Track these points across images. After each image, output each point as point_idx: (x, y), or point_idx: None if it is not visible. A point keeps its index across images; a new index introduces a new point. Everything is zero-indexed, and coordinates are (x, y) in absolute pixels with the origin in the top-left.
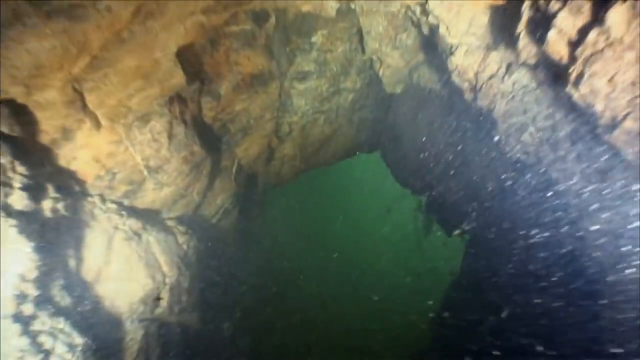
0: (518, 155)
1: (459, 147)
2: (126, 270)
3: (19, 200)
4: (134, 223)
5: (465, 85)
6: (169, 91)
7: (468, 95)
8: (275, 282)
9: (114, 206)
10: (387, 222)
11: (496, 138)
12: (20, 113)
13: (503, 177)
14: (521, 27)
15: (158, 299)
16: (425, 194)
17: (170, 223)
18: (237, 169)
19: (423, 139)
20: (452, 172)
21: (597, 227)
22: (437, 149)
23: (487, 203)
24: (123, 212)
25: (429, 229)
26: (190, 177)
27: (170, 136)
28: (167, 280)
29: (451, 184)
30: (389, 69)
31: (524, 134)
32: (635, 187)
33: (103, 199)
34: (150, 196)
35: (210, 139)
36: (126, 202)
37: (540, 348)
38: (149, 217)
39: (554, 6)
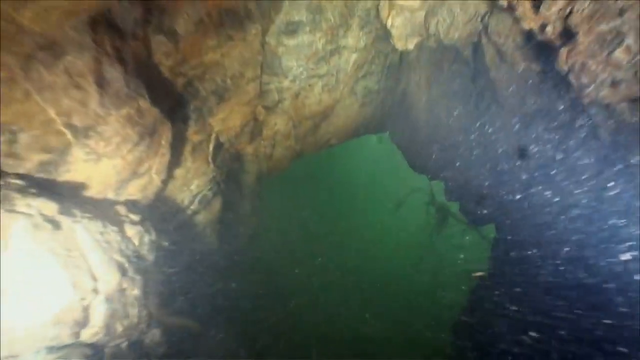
0: None
1: (486, 123)
2: (27, 273)
3: None
4: (46, 205)
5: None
6: (87, 7)
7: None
8: (268, 293)
9: (18, 182)
10: (398, 218)
11: None
12: None
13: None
14: None
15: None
16: (444, 179)
17: (119, 210)
18: (214, 146)
19: (442, 114)
20: (476, 153)
21: None
22: (459, 125)
23: (520, 189)
24: (32, 190)
25: (443, 225)
26: (142, 147)
27: (101, 82)
28: (102, 287)
29: (477, 167)
30: (399, 16)
31: None
32: None
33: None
34: (82, 171)
35: (170, 98)
36: (44, 177)
37: None
38: (82, 200)
39: None
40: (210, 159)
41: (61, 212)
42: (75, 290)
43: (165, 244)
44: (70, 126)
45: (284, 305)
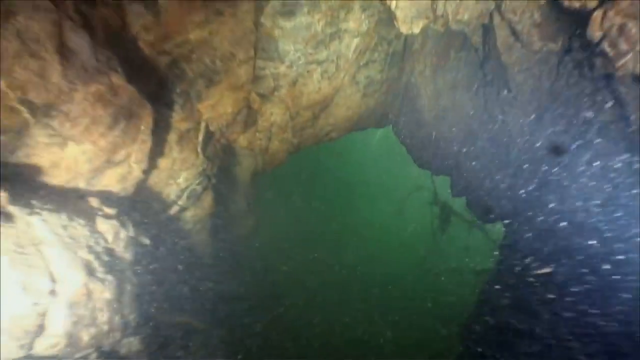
0: None
1: (496, 113)
2: None
3: None
4: None
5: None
6: None
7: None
8: (262, 301)
9: None
10: (400, 218)
11: None
12: None
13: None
14: None
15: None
16: (451, 174)
17: (92, 202)
18: (204, 135)
19: (449, 105)
20: (485, 145)
21: None
22: (467, 116)
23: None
24: None
25: (446, 224)
26: (117, 132)
27: (63, 50)
28: (62, 289)
29: (486, 160)
30: None
31: None
32: None
33: None
34: (45, 156)
35: (151, 79)
36: None
37: None
38: (46, 189)
39: None
40: (199, 150)
41: (13, 203)
42: (26, 293)
43: (147, 241)
44: (26, 102)
45: (281, 314)
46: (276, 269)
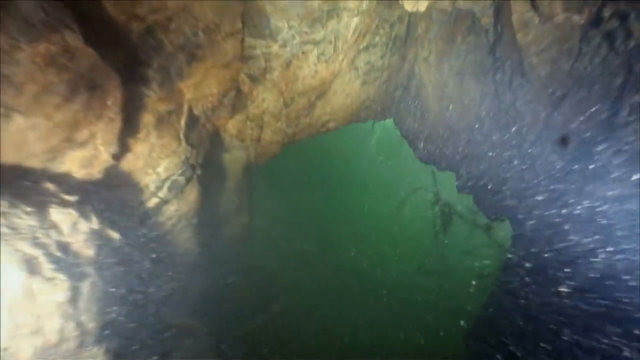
0: None
1: (508, 101)
2: None
3: None
4: None
5: None
6: None
7: None
8: (253, 303)
9: None
10: (401, 218)
11: None
12: None
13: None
14: None
15: None
16: (457, 170)
17: (47, 187)
18: (187, 119)
19: (455, 94)
20: (495, 138)
21: None
22: (475, 106)
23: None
24: None
25: (448, 225)
26: (76, 105)
27: None
28: None
29: (497, 156)
30: None
31: None
32: None
33: None
34: None
35: (121, 47)
36: None
37: None
38: None
39: None
40: (181, 136)
41: None
42: None
43: (115, 235)
44: None
45: (273, 320)
46: (268, 272)
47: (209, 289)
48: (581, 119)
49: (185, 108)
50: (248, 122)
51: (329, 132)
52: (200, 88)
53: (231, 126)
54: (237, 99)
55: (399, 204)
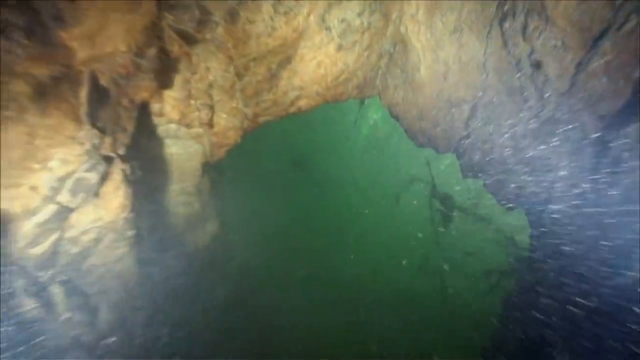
0: None
1: (520, 62)
2: None
3: None
4: None
5: None
6: None
7: None
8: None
9: None
10: (396, 213)
11: None
12: None
13: None
14: None
15: None
16: (461, 150)
17: None
18: (90, 90)
19: (452, 58)
20: (505, 110)
21: None
22: (477, 71)
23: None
24: None
25: (447, 218)
26: None
27: None
28: None
29: (509, 130)
30: None
31: None
32: None
33: None
34: None
35: None
36: None
37: None
38: None
39: None
40: (82, 115)
41: None
42: None
43: None
44: None
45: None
46: (246, 299)
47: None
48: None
49: (85, 75)
50: (192, 102)
51: (301, 114)
52: (98, 42)
53: (171, 108)
54: (165, 64)
55: (392, 199)
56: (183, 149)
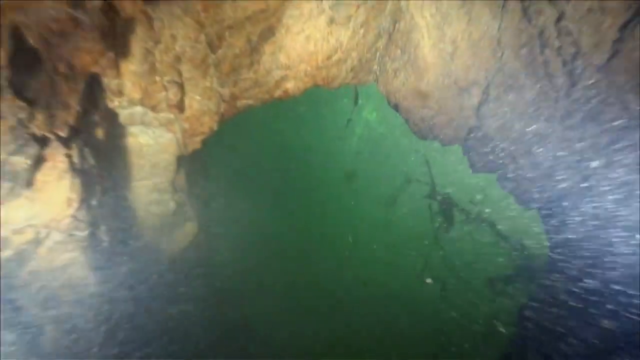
0: None
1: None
2: None
3: None
4: None
5: None
6: None
7: None
8: None
9: None
10: (393, 217)
11: None
12: None
13: None
14: None
15: None
16: (469, 143)
17: None
18: (10, 50)
19: (461, 34)
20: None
21: None
22: (494, 46)
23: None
24: None
25: (449, 221)
26: None
27: None
28: None
29: (528, 117)
30: None
31: None
32: None
33: None
34: None
35: None
36: None
37: None
38: None
39: None
40: (2, 82)
41: None
42: None
43: None
44: None
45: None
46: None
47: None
48: None
49: (4, 30)
50: (157, 78)
51: (288, 98)
52: None
53: (131, 85)
54: (115, 25)
55: (388, 201)
56: (153, 139)
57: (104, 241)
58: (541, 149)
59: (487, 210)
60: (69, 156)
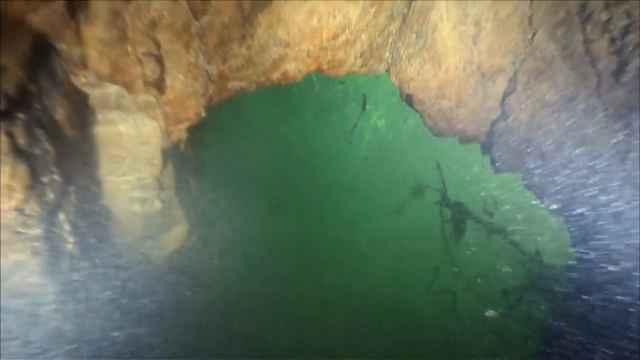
0: None
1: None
2: None
3: None
4: None
5: None
6: None
7: None
8: None
9: None
10: (402, 225)
11: None
12: None
13: None
14: None
15: None
16: (491, 139)
17: None
18: None
19: (489, 13)
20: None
21: None
22: (523, 29)
23: None
24: None
25: (460, 230)
26: None
27: None
28: None
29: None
30: None
31: None
32: None
33: None
34: None
35: None
36: None
37: None
38: None
39: None
40: None
41: None
42: None
43: None
44: None
45: None
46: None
47: None
48: None
49: None
50: (129, 48)
51: (288, 83)
52: None
53: (97, 55)
54: None
55: (397, 209)
56: (134, 128)
57: (68, 243)
58: (578, 148)
59: (501, 218)
60: (10, 135)
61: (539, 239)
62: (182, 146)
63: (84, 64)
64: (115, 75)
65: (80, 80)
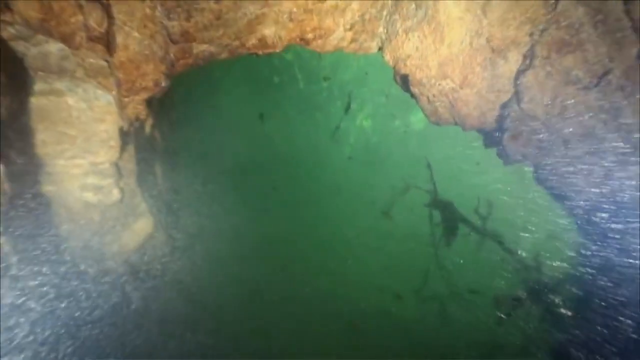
0: None
1: None
2: None
3: None
4: None
5: None
6: None
7: None
8: None
9: None
10: (388, 229)
11: None
12: None
13: None
14: None
15: None
16: (501, 126)
17: None
18: None
19: None
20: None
21: None
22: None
23: None
24: None
25: (451, 233)
26: None
27: None
28: None
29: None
30: None
31: None
32: None
33: None
34: None
35: None
36: None
37: None
38: None
39: None
40: None
41: None
42: None
43: None
44: None
45: None
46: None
47: None
48: None
49: None
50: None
51: (266, 52)
52: None
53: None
54: None
55: (383, 211)
56: (85, 101)
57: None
58: (611, 134)
59: (494, 220)
60: None
61: (539, 245)
62: (146, 127)
63: (7, 7)
64: (49, 23)
65: (8, 31)
